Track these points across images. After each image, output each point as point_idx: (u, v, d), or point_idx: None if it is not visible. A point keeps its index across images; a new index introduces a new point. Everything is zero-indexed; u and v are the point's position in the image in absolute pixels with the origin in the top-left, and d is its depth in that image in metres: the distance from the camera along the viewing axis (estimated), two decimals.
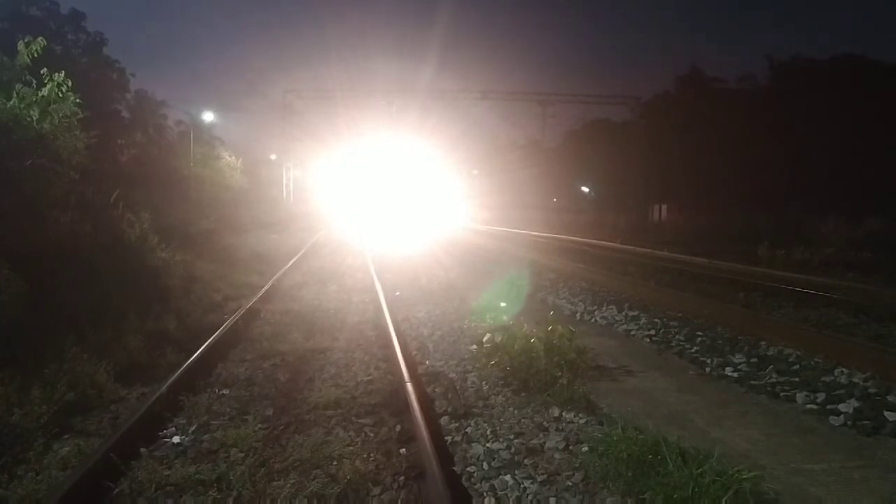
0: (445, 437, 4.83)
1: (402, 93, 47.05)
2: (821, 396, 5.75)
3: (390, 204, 46.31)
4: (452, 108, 51.87)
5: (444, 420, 5.19)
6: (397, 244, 25.62)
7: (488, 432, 4.90)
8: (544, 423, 5.09)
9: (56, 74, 9.53)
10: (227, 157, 41.20)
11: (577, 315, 10.25)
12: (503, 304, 9.49)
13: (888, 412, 5.26)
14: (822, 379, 6.32)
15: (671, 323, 9.26)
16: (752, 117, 35.39)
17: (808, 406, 5.56)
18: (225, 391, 6.09)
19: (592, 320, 9.86)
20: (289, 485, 3.95)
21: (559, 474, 4.15)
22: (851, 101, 31.71)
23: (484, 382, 6.23)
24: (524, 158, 57.42)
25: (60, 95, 9.60)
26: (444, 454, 4.44)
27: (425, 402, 5.49)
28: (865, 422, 5.10)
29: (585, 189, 55.42)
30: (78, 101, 9.97)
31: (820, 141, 31.75)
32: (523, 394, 5.78)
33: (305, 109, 47.44)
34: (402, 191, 47.96)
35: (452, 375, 6.56)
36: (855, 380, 6.28)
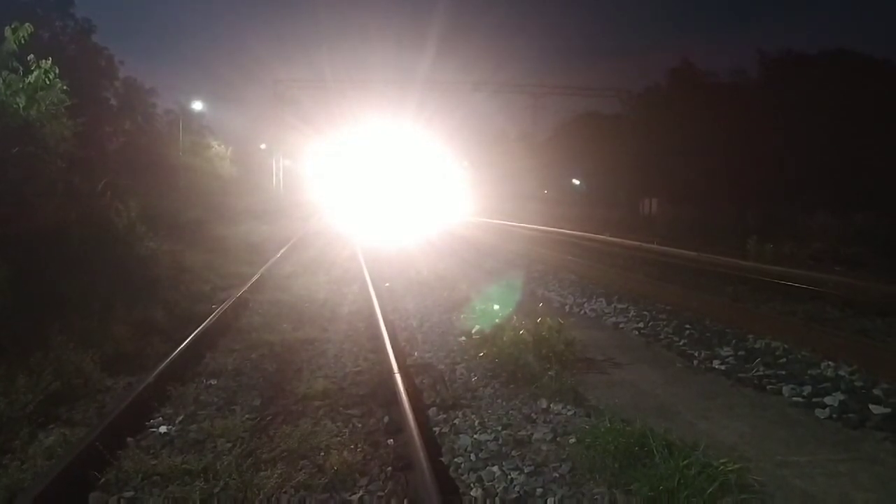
0: (433, 429, 4.84)
1: (395, 83, 46.86)
2: (807, 389, 5.80)
3: (381, 194, 46.15)
4: (445, 99, 51.62)
5: (432, 411, 5.20)
6: (388, 235, 25.57)
7: (476, 423, 4.91)
8: (532, 414, 5.10)
9: (43, 61, 9.39)
10: (216, 147, 40.96)
11: (567, 307, 10.28)
12: (493, 296, 9.48)
13: (873, 405, 5.31)
14: (809, 372, 6.37)
15: (659, 315, 9.29)
16: (744, 112, 35.43)
17: (795, 399, 5.61)
18: (212, 381, 6.07)
19: (581, 312, 9.88)
20: (276, 475, 3.93)
21: (546, 466, 4.16)
22: (843, 97, 31.80)
23: (472, 374, 6.24)
24: (515, 150, 57.31)
25: (48, 82, 9.46)
26: (432, 445, 4.44)
27: (413, 393, 5.48)
28: (851, 415, 5.15)
29: (576, 182, 55.41)
30: (65, 88, 9.83)
31: (811, 136, 31.85)
32: (511, 385, 5.79)
33: (298, 98, 47.16)
34: (392, 181, 47.77)
35: (441, 367, 6.56)
36: (841, 373, 6.33)
